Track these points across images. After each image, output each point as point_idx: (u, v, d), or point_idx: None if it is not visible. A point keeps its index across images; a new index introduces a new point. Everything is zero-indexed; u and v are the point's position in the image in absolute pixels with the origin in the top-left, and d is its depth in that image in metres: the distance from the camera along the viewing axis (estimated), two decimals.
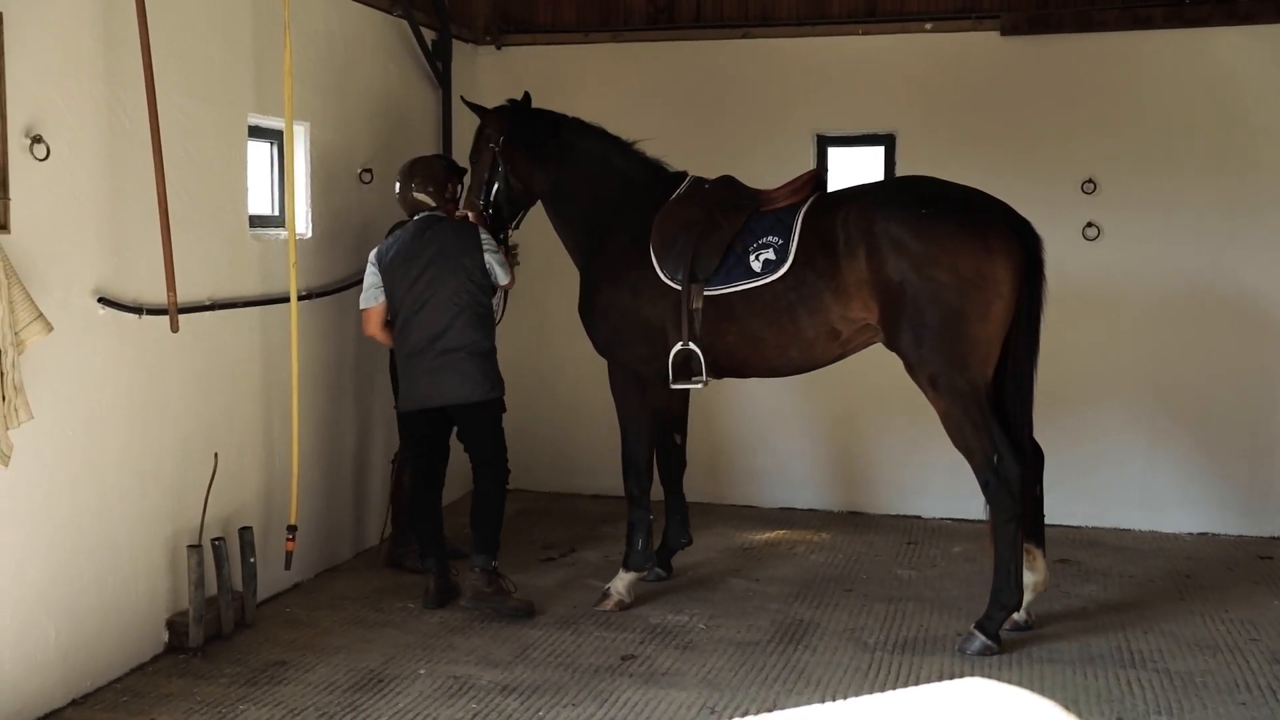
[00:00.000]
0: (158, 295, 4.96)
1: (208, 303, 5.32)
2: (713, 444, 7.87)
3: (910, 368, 5.25)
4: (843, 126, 7.73)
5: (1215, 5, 7.00)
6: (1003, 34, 7.34)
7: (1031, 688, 4.83)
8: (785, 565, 6.59)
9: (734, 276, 5.42)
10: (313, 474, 6.14)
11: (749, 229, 5.47)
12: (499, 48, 8.07)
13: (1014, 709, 4.61)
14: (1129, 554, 6.85)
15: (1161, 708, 4.66)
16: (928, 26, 7.48)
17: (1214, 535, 7.23)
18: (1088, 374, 7.38)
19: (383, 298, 5.68)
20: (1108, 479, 7.40)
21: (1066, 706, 4.62)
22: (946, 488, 7.62)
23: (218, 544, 5.27)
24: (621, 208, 5.85)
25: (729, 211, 5.53)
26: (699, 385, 5.61)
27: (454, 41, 7.59)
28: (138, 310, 4.88)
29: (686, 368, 5.62)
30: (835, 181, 7.30)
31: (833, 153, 7.79)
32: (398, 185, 5.83)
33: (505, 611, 5.61)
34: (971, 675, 4.98)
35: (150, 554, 5.08)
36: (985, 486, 5.19)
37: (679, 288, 5.51)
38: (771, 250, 5.36)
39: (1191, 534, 7.27)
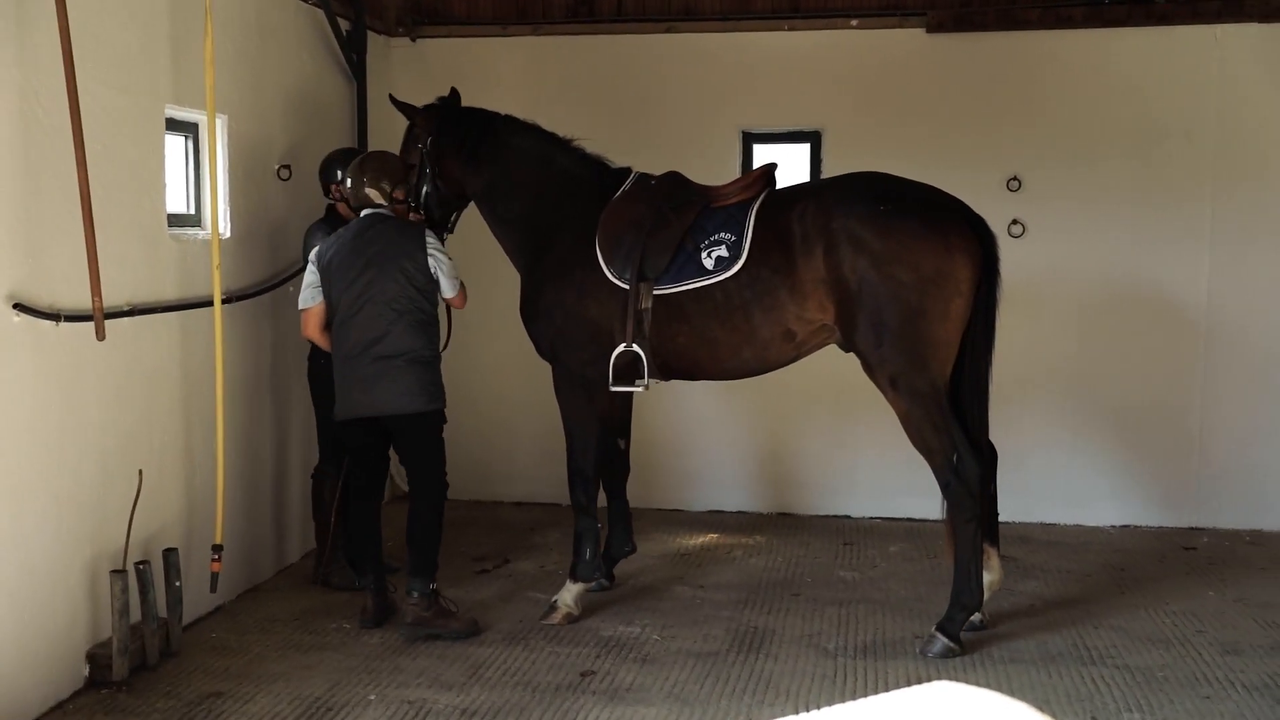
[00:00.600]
0: (75, 300, 4.58)
1: (126, 308, 4.94)
2: (639, 447, 7.64)
3: (869, 368, 5.16)
4: (769, 123, 7.64)
5: (1133, 5, 7.10)
6: (928, 31, 7.34)
7: (1000, 689, 4.71)
8: (726, 571, 6.46)
9: (685, 274, 5.25)
10: (233, 489, 5.76)
11: (700, 226, 5.31)
12: (414, 40, 7.76)
13: (988, 712, 4.56)
14: (1060, 549, 6.90)
15: (1131, 704, 4.66)
16: (853, 23, 7.43)
17: (1137, 527, 7.35)
18: (1012, 370, 7.36)
19: (321, 298, 5.36)
20: (1033, 474, 7.45)
21: (1039, 707, 4.56)
22: (873, 487, 7.63)
23: (142, 568, 4.89)
24: (564, 206, 5.64)
25: (678, 208, 5.37)
26: (640, 389, 5.42)
27: (367, 33, 7.27)
28: (55, 317, 4.48)
29: (632, 370, 5.44)
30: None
31: (758, 149, 7.70)
32: (349, 180, 5.48)
33: (449, 635, 5.33)
34: (939, 679, 4.84)
35: (69, 580, 4.68)
36: (945, 487, 5.13)
37: (627, 287, 5.32)
38: (724, 247, 5.21)
39: (1115, 527, 7.38)
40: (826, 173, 7.43)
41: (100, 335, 4.44)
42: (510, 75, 7.72)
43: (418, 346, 5.27)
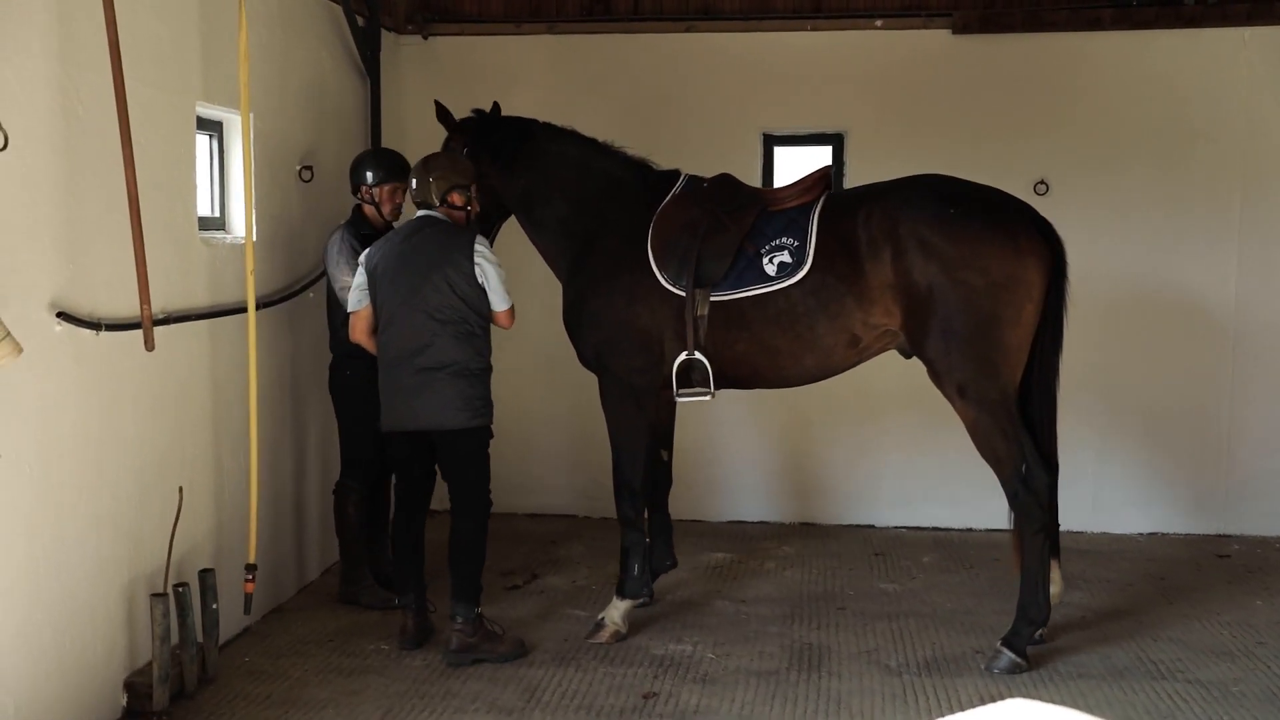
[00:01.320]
0: (115, 308, 4.33)
1: (161, 315, 4.65)
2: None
3: (936, 375, 5.01)
4: (790, 125, 7.49)
5: (1162, 7, 7.03)
6: (954, 32, 7.22)
7: (1075, 706, 4.66)
8: (763, 584, 6.29)
9: (745, 281, 5.07)
10: (261, 506, 5.49)
11: (759, 230, 5.13)
12: (425, 38, 7.52)
13: None
14: (1094, 557, 6.80)
15: None
16: (878, 24, 7.30)
17: (1164, 534, 7.28)
18: None
19: (368, 301, 5.10)
20: (1061, 481, 7.28)
21: None
22: (896, 496, 7.51)
23: (181, 591, 4.62)
24: (606, 209, 5.45)
25: (734, 211, 5.19)
26: (706, 398, 5.25)
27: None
28: (96, 326, 4.22)
29: (688, 379, 5.26)
30: (781, 181, 7.07)
31: (779, 152, 7.54)
32: (413, 180, 5.20)
33: (496, 658, 5.09)
34: (1011, 696, 4.77)
35: (108, 606, 4.41)
36: (1013, 498, 4.99)
37: (682, 293, 5.14)
38: (786, 253, 5.04)
39: (1143, 534, 7.30)
40: (850, 177, 7.29)
41: (149, 345, 4.18)
42: (525, 74, 7.51)
43: (463, 359, 5.01)
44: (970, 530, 7.40)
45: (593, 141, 5.63)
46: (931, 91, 7.29)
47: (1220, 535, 7.24)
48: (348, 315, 5.46)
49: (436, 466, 5.26)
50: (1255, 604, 5.96)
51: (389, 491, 6.14)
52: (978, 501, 7.37)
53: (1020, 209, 5.04)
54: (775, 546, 7.03)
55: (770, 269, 5.05)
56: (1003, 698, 4.74)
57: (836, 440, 7.52)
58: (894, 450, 7.48)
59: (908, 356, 5.24)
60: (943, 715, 4.59)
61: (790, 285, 5.02)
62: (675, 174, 5.52)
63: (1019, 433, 4.93)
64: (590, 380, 7.30)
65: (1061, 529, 7.18)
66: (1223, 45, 7.07)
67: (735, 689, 4.84)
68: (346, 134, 6.65)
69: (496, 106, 5.75)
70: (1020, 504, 4.98)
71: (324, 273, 5.81)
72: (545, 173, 5.54)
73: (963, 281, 4.83)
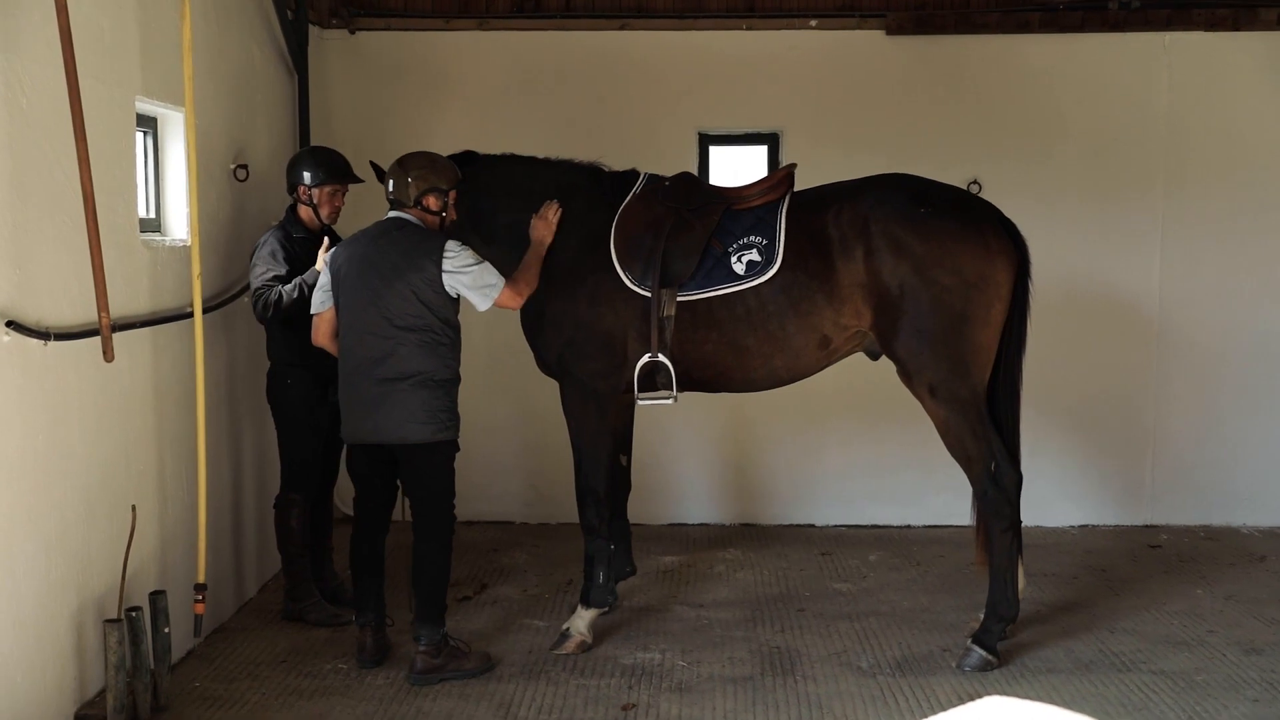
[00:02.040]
0: (61, 317, 4.04)
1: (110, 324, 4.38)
2: None
3: (906, 375, 5.00)
4: (726, 125, 7.44)
5: (1088, 12, 7.18)
6: (888, 33, 7.26)
7: (1050, 701, 4.70)
8: (719, 587, 6.22)
9: (714, 280, 4.99)
10: (190, 520, 5.21)
11: (725, 228, 5.06)
12: (352, 32, 7.26)
13: None
14: (1032, 551, 6.82)
15: (1190, 713, 4.61)
16: (812, 24, 7.30)
17: (1095, 527, 7.43)
18: None
19: (331, 303, 4.87)
20: None
21: (1103, 718, 4.52)
22: (836, 495, 7.52)
23: (135, 616, 4.35)
24: (562, 213, 5.28)
25: (698, 210, 5.11)
26: (668, 401, 5.15)
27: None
28: (45, 335, 3.94)
29: (651, 381, 5.16)
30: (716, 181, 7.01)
31: (715, 151, 7.49)
32: (390, 180, 4.96)
33: (464, 675, 4.91)
34: (987, 694, 4.78)
35: (57, 633, 4.13)
36: (983, 496, 5.02)
37: (647, 294, 5.03)
38: (755, 251, 4.97)
39: (1075, 527, 7.44)
40: None
41: (109, 355, 3.92)
42: (455, 71, 7.33)
43: (427, 369, 4.79)
44: (909, 527, 7.46)
45: (533, 158, 5.49)
46: (866, 92, 7.32)
47: (1148, 526, 7.42)
48: (285, 319, 5.23)
49: (398, 480, 5.05)
50: (1196, 593, 6.11)
51: (332, 503, 5.91)
52: (914, 499, 7.47)
53: (987, 209, 5.06)
54: (720, 549, 6.97)
55: (739, 267, 4.98)
56: (979, 696, 4.75)
57: (776, 441, 7.50)
58: (833, 450, 7.49)
59: (875, 358, 5.23)
60: (925, 716, 4.58)
61: (760, 284, 4.95)
62: (633, 174, 5.40)
63: (988, 431, 4.96)
64: (526, 384, 7.22)
65: None
66: (1145, 49, 7.25)
67: (714, 697, 4.75)
68: (276, 131, 6.38)
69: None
70: (990, 502, 5.00)
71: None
72: (490, 188, 5.39)
73: (935, 281, 4.82)
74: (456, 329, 4.89)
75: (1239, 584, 6.25)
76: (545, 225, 5.13)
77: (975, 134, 7.28)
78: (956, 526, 7.34)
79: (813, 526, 7.47)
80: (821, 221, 4.96)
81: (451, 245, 4.82)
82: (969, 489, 7.28)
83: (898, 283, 4.86)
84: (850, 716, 4.58)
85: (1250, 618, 5.71)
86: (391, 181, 4.95)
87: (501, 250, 5.32)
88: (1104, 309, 7.40)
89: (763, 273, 4.95)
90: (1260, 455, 7.42)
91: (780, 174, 5.21)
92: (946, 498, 7.45)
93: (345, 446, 5.09)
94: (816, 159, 6.84)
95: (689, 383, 5.21)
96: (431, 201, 4.94)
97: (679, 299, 5.02)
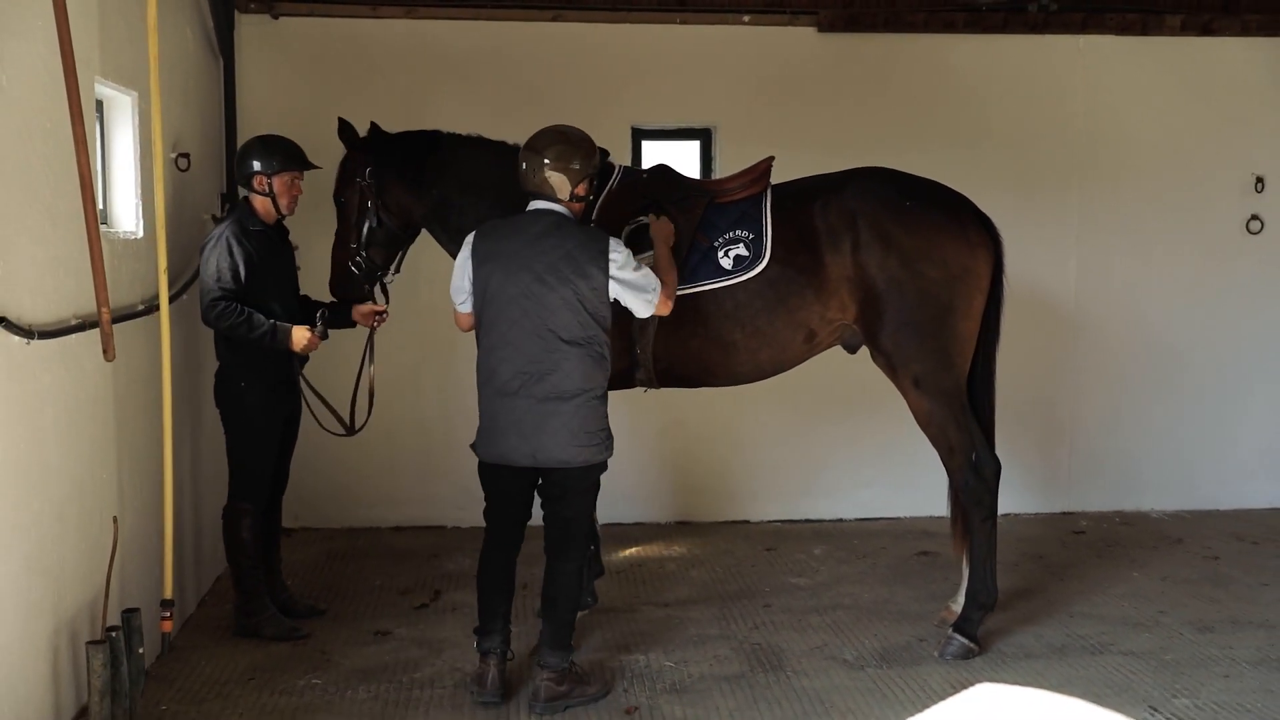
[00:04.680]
0: (38, 314, 3.72)
1: (75, 322, 4.06)
2: None
3: (891, 368, 5.03)
4: (659, 119, 7.39)
5: (1010, 14, 7.37)
6: (819, 31, 7.32)
7: (1040, 685, 4.80)
8: (677, 586, 6.16)
9: (701, 275, 4.93)
10: (146, 531, 4.90)
11: (709, 222, 5.00)
12: (275, 17, 6.92)
13: (1058, 711, 4.54)
14: None
15: (1173, 690, 4.77)
16: (745, 20, 7.30)
17: (1019, 515, 7.63)
18: None
19: (472, 305, 4.52)
20: (920, 469, 7.58)
21: (1094, 700, 4.64)
22: (770, 491, 7.54)
23: (115, 636, 4.03)
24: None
25: (680, 203, 5.03)
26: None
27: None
28: (29, 334, 3.61)
29: (630, 379, 5.08)
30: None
31: (647, 146, 7.43)
32: (523, 164, 4.50)
33: (589, 700, 4.60)
34: (978, 681, 4.85)
35: (36, 658, 3.79)
36: (964, 486, 5.09)
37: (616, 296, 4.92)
38: (742, 245, 4.93)
39: (1001, 516, 7.58)
40: (720, 171, 7.24)
41: (109, 354, 3.62)
42: (382, 61, 7.07)
43: (591, 386, 4.41)
44: (841, 520, 7.54)
45: (502, 144, 5.32)
46: (798, 88, 7.36)
47: (1067, 513, 7.68)
48: (237, 322, 4.95)
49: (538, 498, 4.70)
50: (1133, 576, 6.34)
51: (281, 513, 5.62)
52: (845, 493, 7.56)
53: (964, 202, 5.14)
54: (664, 547, 6.91)
55: (726, 262, 4.93)
56: (970, 683, 4.81)
57: (710, 439, 7.48)
58: (766, 447, 7.52)
59: (853, 351, 5.25)
60: (923, 706, 4.61)
61: (749, 278, 4.91)
62: (608, 166, 5.28)
63: (970, 422, 5.03)
64: (459, 381, 7.03)
65: (924, 515, 7.52)
66: (1062, 51, 7.49)
67: (713, 696, 4.69)
68: (208, 119, 6.05)
69: (374, 128, 5.36)
70: (970, 491, 5.08)
71: (197, 272, 5.26)
72: (459, 180, 5.23)
73: (922, 273, 4.87)
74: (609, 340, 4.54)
75: (1167, 566, 6.51)
76: (667, 223, 4.83)
77: (902, 130, 7.39)
78: (888, 519, 7.51)
79: (748, 523, 7.48)
80: (808, 215, 4.95)
81: (614, 246, 4.44)
82: (897, 481, 7.55)
83: (885, 276, 4.88)
84: (854, 711, 4.58)
85: (1191, 598, 5.95)
86: (525, 166, 4.51)
87: None
88: (1025, 304, 7.54)
89: (751, 267, 4.91)
90: (1166, 443, 7.77)
91: (760, 166, 5.19)
92: (875, 490, 7.59)
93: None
94: (750, 155, 6.73)
95: (671, 379, 5.15)
96: (582, 189, 4.56)
97: None
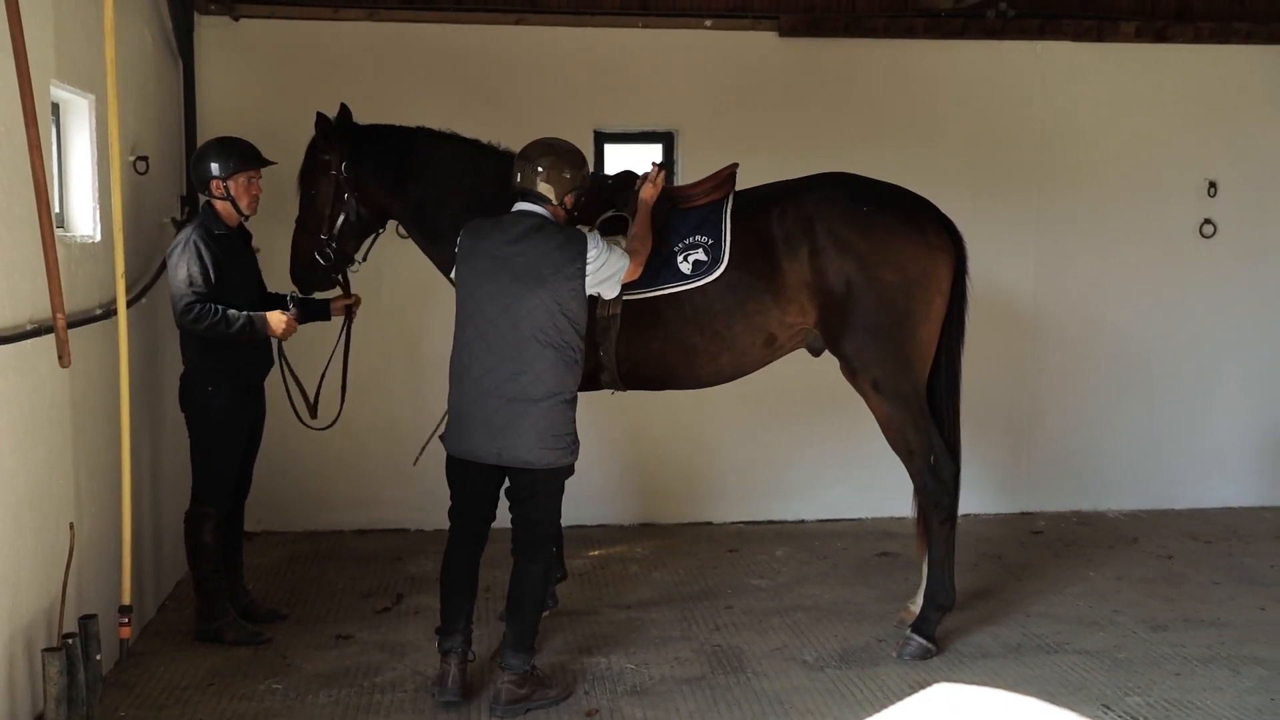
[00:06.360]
0: None
1: (30, 327, 4.04)
2: None
3: (851, 372, 5.08)
4: (621, 123, 7.41)
5: (968, 19, 7.45)
6: (781, 35, 7.37)
7: (996, 685, 4.86)
8: (639, 587, 6.19)
9: (661, 279, 4.96)
10: (105, 536, 4.88)
11: (671, 228, 5.03)
12: (235, 19, 6.89)
13: (1012, 710, 4.61)
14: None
15: (1125, 688, 4.84)
16: (707, 24, 7.34)
17: (978, 515, 7.70)
18: None
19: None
20: (880, 470, 7.64)
21: (1047, 699, 4.71)
22: (730, 492, 7.59)
23: (71, 643, 4.01)
24: (503, 211, 5.15)
25: None
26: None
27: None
28: None
29: (595, 381, 5.11)
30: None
31: (610, 150, 7.45)
32: (518, 173, 4.58)
33: (549, 703, 4.63)
34: (935, 681, 4.90)
35: None
36: (923, 488, 5.14)
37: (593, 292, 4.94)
38: (701, 250, 4.97)
39: (961, 516, 7.66)
40: (681, 175, 7.28)
41: (65, 360, 3.60)
42: (344, 64, 7.05)
43: (561, 389, 4.46)
44: (803, 521, 7.59)
45: (476, 142, 5.33)
46: (760, 92, 7.40)
47: (1026, 513, 7.77)
48: (215, 321, 4.95)
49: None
50: (1090, 575, 6.42)
51: (243, 517, 5.61)
52: (807, 494, 7.61)
53: (925, 206, 5.19)
54: (627, 549, 6.94)
55: (685, 267, 4.97)
56: (928, 684, 4.87)
57: (671, 441, 7.51)
58: (727, 448, 7.56)
59: (816, 354, 5.29)
60: (882, 706, 4.66)
61: (707, 283, 4.95)
62: None
63: (929, 425, 5.09)
64: (420, 383, 7.04)
65: (886, 515, 7.59)
66: (1019, 57, 7.58)
67: (674, 699, 4.72)
68: (166, 122, 6.02)
69: (345, 109, 5.35)
70: (930, 494, 5.13)
71: (157, 276, 5.25)
72: (436, 181, 5.22)
73: (879, 278, 4.92)
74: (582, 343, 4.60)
75: (1123, 565, 6.60)
76: (652, 188, 4.94)
77: (863, 134, 7.45)
78: (850, 520, 7.58)
79: (711, 524, 7.52)
80: (766, 221, 4.99)
81: (590, 245, 4.49)
82: (859, 483, 7.60)
83: (843, 281, 4.93)
84: (812, 712, 4.62)
85: (1146, 597, 6.04)
86: (521, 174, 4.59)
87: (447, 249, 5.15)
88: (984, 306, 7.57)
89: (709, 272, 4.95)
90: (1122, 444, 7.87)
91: (723, 173, 5.22)
92: (838, 491, 7.65)
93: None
94: (713, 158, 6.78)
95: (635, 381, 5.18)
96: (570, 201, 4.62)
97: (625, 298, 4.95)
